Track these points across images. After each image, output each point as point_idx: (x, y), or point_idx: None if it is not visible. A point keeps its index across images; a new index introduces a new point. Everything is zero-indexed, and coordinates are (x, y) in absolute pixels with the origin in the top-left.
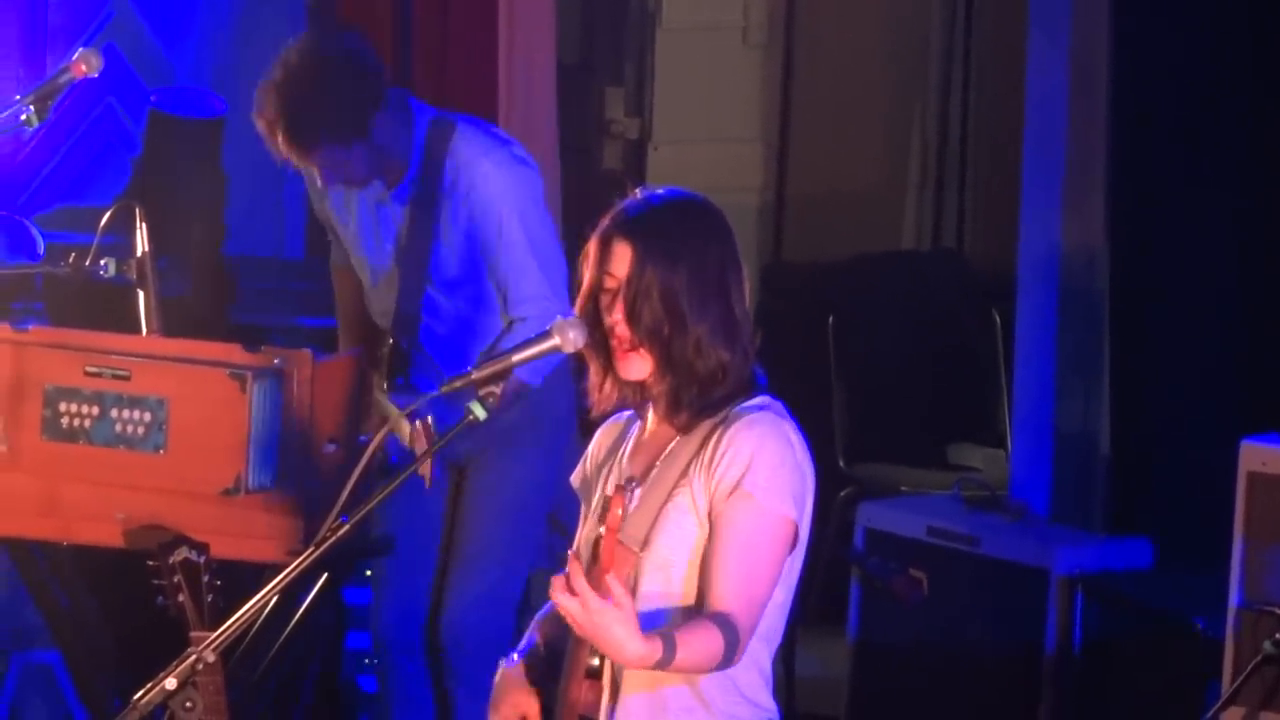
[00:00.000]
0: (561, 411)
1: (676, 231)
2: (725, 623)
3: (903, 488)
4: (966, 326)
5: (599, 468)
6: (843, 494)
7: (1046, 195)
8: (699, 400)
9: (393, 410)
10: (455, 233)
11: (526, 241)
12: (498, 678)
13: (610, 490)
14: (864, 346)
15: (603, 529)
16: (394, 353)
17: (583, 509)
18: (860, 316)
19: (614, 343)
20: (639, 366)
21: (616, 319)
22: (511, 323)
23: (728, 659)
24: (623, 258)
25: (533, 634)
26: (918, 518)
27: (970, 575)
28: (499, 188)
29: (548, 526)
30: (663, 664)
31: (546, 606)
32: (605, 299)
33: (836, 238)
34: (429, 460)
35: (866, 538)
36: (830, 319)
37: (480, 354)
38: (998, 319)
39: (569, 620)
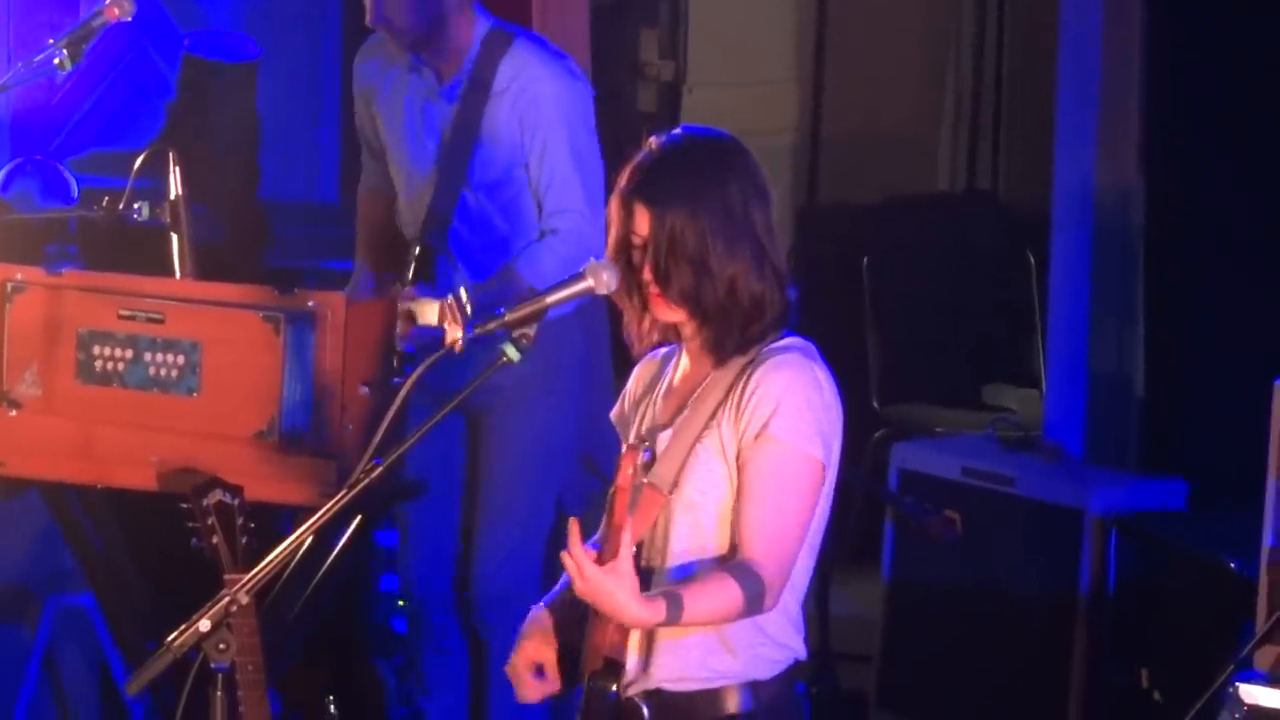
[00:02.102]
0: (576, 355)
1: (690, 179)
2: (747, 572)
3: (937, 429)
4: (1001, 268)
5: (636, 404)
6: (877, 435)
7: (1080, 135)
8: (733, 340)
9: (418, 300)
10: (501, 136)
11: (571, 153)
12: (524, 625)
13: (627, 444)
14: (898, 288)
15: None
16: (420, 255)
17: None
18: (895, 258)
19: (650, 293)
20: (669, 311)
21: (647, 276)
22: (544, 233)
23: (753, 606)
24: (642, 218)
25: (562, 583)
26: (952, 458)
27: (1005, 515)
28: (552, 96)
29: (582, 469)
30: (669, 623)
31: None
32: (635, 253)
33: (871, 179)
34: (459, 330)
35: (901, 478)
36: (865, 260)
37: (503, 265)
38: (1032, 260)
39: (576, 586)
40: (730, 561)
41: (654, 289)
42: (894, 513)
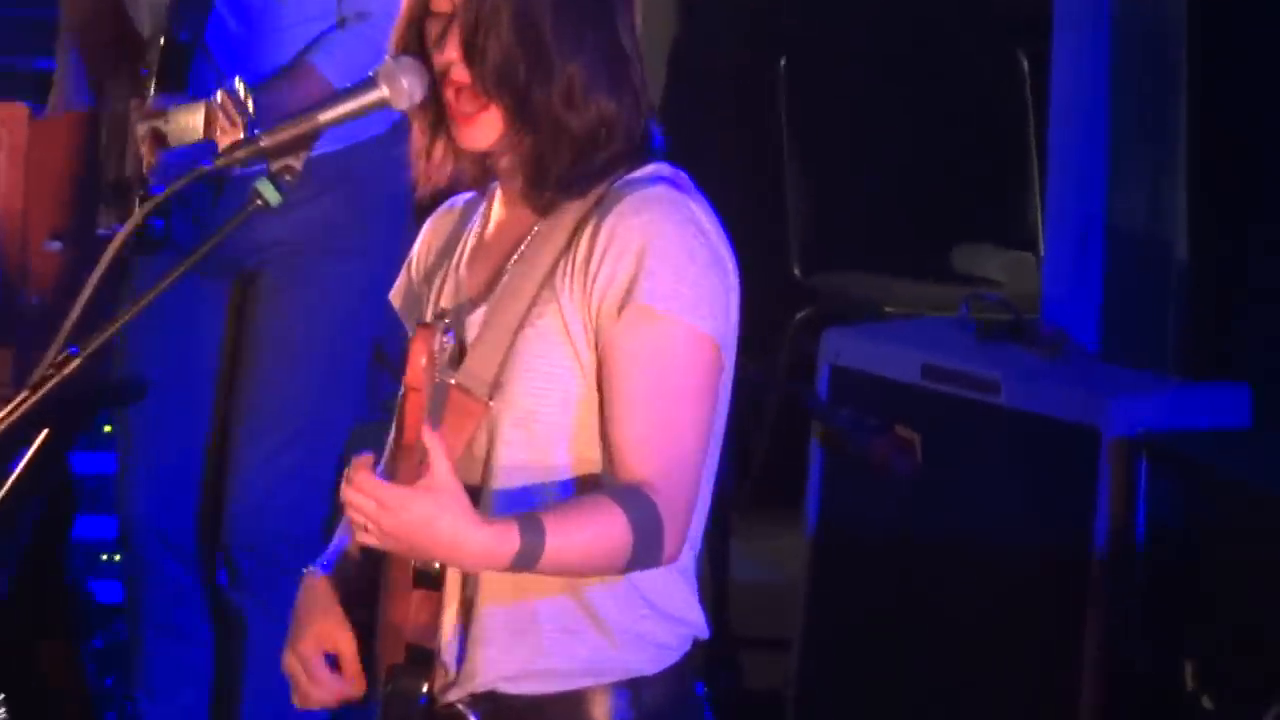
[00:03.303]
0: (384, 198)
1: None
2: (637, 498)
3: (886, 308)
4: (979, 75)
5: (428, 276)
6: (799, 316)
7: None
8: (571, 171)
9: (169, 111)
10: None
11: None
12: (298, 599)
13: (417, 323)
14: (829, 102)
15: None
16: (167, 52)
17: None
18: (823, 57)
19: (448, 94)
20: (485, 130)
21: (450, 58)
22: (345, 20)
23: (647, 551)
24: None
25: (343, 533)
26: (909, 351)
27: (985, 436)
28: None
29: (372, 364)
30: (526, 558)
31: None
32: (433, 28)
33: None
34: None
35: (833, 380)
36: (781, 62)
37: (282, 69)
38: (1025, 64)
39: (364, 535)
40: (608, 485)
41: (458, 79)
42: (823, 431)
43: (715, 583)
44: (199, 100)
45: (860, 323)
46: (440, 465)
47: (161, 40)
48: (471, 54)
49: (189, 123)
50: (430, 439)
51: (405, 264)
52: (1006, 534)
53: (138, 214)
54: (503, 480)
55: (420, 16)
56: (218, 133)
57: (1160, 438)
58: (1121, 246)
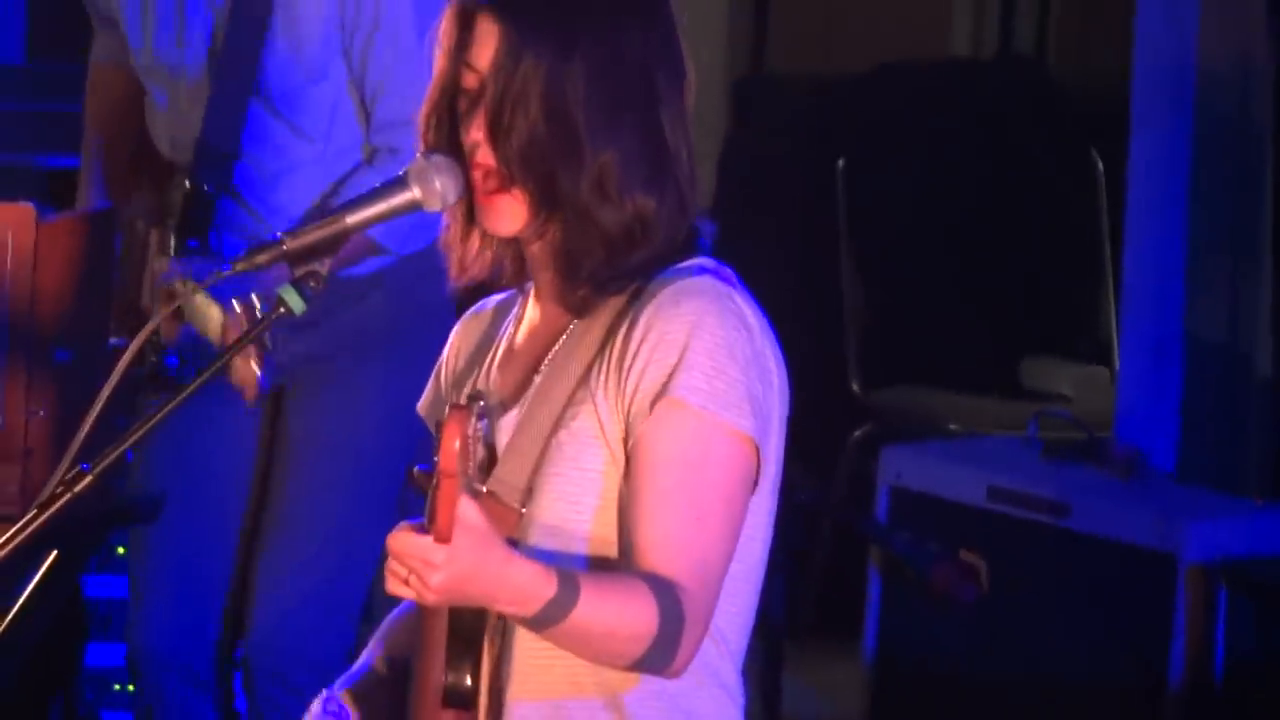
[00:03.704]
0: (430, 304)
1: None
2: (666, 590)
3: (950, 425)
4: (1049, 175)
5: (458, 383)
6: (857, 434)
7: None
8: (603, 268)
9: (189, 287)
10: (305, 19)
11: (417, 32)
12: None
13: (450, 404)
14: (890, 205)
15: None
16: (191, 200)
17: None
18: (886, 161)
19: (475, 175)
20: (509, 213)
21: (476, 138)
22: (375, 153)
23: (665, 649)
24: (486, 40)
25: (372, 650)
26: (973, 472)
27: (1055, 562)
28: None
29: (408, 484)
30: (557, 609)
31: (398, 609)
32: (464, 105)
33: (845, 37)
34: (250, 360)
35: (892, 501)
36: (839, 164)
37: (310, 213)
38: (1100, 166)
39: (414, 596)
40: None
41: (483, 160)
42: (881, 555)
43: (768, 713)
44: (216, 302)
45: (922, 441)
46: (467, 508)
47: (186, 184)
48: (497, 134)
49: (205, 321)
50: (468, 508)
51: (434, 371)
52: (1077, 666)
53: (149, 325)
54: None
55: (451, 93)
56: (224, 335)
57: (1240, 564)
58: (1200, 360)
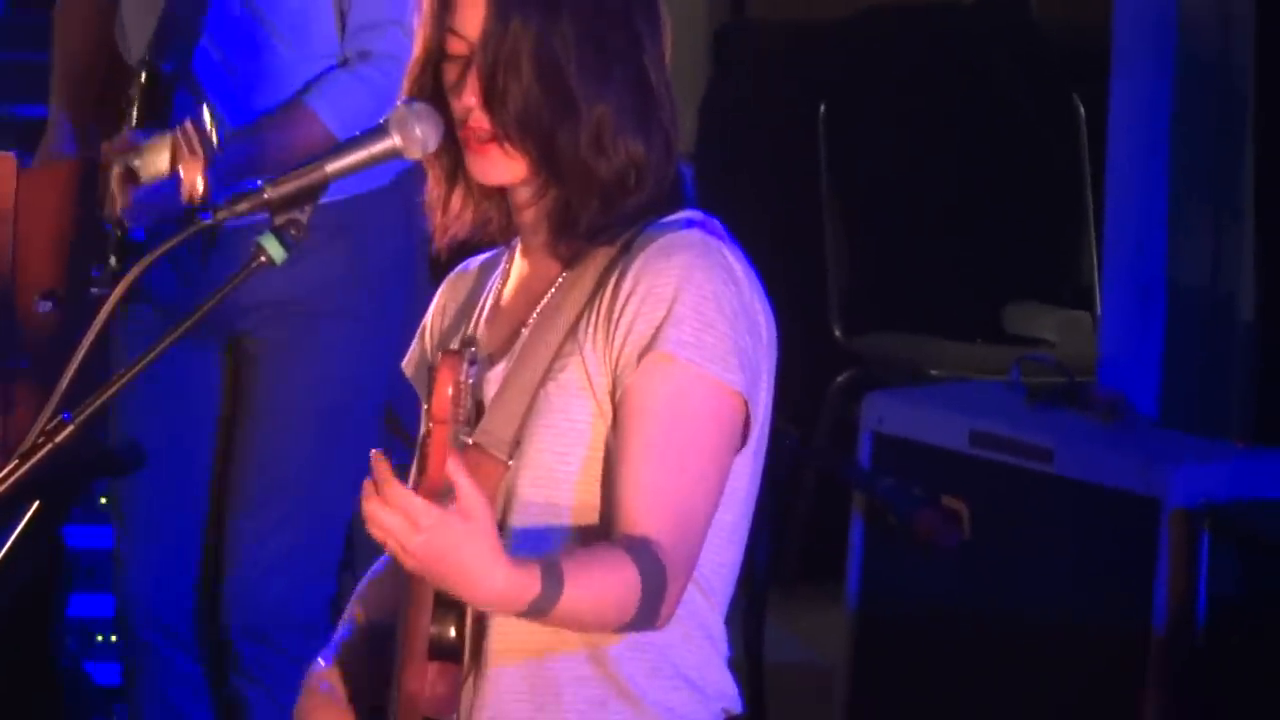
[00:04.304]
0: (395, 252)
1: None
2: (646, 553)
3: (932, 371)
4: (1030, 120)
5: (444, 342)
6: (840, 379)
7: None
8: (599, 218)
9: (140, 146)
10: None
11: None
12: (300, 700)
13: (443, 350)
14: (872, 151)
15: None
16: (149, 84)
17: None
18: (866, 106)
19: (464, 134)
20: (503, 165)
21: (469, 103)
22: (348, 59)
23: (650, 608)
24: (474, 6)
25: (351, 614)
26: (955, 417)
27: (1038, 507)
28: None
29: (382, 429)
30: (542, 604)
31: (375, 566)
32: (450, 72)
33: None
34: (198, 169)
35: (875, 447)
36: (821, 109)
37: (274, 109)
38: (1081, 110)
39: (389, 548)
40: (616, 536)
41: (478, 125)
42: (864, 501)
43: (750, 662)
44: (165, 133)
45: (904, 387)
46: (470, 492)
47: (143, 73)
48: (491, 99)
49: (156, 157)
50: (455, 468)
51: (419, 330)
52: (1059, 610)
53: (132, 272)
54: (519, 540)
55: (436, 59)
56: (183, 162)
57: (1223, 508)
58: (1183, 304)
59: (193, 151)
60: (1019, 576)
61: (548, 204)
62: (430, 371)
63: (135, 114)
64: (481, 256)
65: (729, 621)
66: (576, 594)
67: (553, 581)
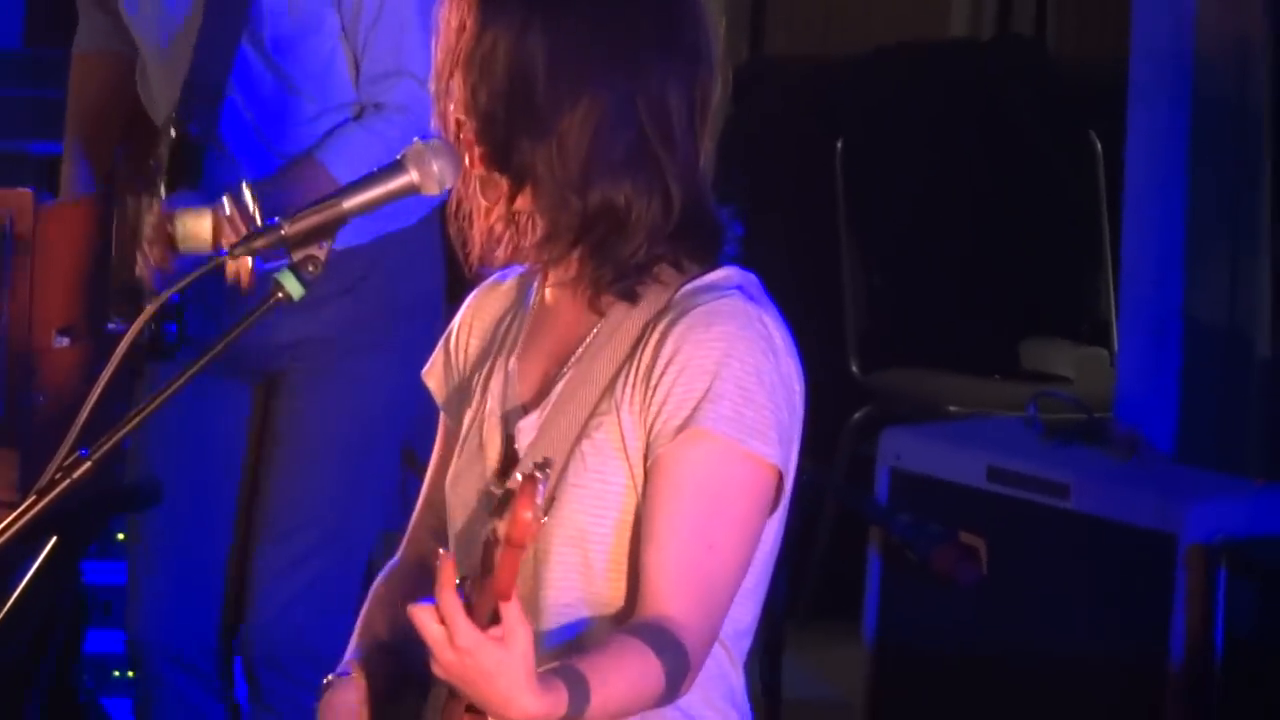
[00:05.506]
0: (417, 291)
1: None
2: (667, 639)
3: (949, 407)
4: (1047, 155)
5: (474, 363)
6: (857, 415)
7: None
8: (593, 263)
9: (179, 213)
10: None
11: None
12: (324, 705)
13: (514, 477)
14: (889, 186)
15: (497, 533)
16: (178, 147)
17: (441, 426)
18: (884, 143)
19: (459, 150)
20: (485, 179)
21: (451, 108)
22: (362, 110)
23: (672, 690)
24: (469, 26)
25: (360, 632)
26: (973, 453)
27: (1055, 543)
28: None
29: (401, 464)
30: (570, 717)
31: (387, 567)
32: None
33: (843, 18)
34: (246, 258)
35: (893, 483)
36: (838, 146)
37: (287, 164)
38: (1099, 146)
39: (431, 653)
40: (638, 620)
41: (466, 145)
42: (882, 537)
43: (769, 697)
44: (206, 207)
45: (922, 423)
46: (515, 624)
47: (172, 133)
48: (472, 95)
49: (197, 230)
50: (514, 606)
51: (443, 339)
52: (1077, 647)
53: (149, 308)
54: (551, 598)
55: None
56: (225, 239)
57: (1240, 545)
58: (1200, 341)
59: (236, 232)
60: (1036, 612)
61: (543, 232)
62: (508, 494)
63: (165, 178)
64: (514, 270)
65: (747, 656)
66: (602, 700)
67: (579, 696)
